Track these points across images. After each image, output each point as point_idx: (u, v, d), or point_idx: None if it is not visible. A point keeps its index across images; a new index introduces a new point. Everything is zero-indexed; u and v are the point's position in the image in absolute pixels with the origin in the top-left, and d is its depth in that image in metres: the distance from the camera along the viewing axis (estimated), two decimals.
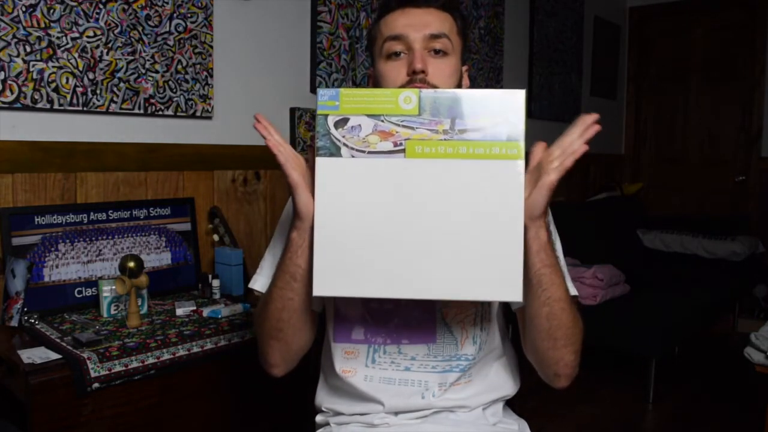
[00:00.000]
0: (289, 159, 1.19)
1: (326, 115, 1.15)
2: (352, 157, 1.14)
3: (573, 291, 1.43)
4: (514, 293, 1.13)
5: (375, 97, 1.15)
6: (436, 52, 1.38)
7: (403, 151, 1.14)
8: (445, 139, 1.13)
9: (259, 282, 1.49)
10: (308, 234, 1.20)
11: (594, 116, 1.16)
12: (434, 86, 1.35)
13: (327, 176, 1.15)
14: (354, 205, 1.15)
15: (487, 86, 4.17)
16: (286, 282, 1.26)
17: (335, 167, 1.15)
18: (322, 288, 1.16)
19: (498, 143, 1.12)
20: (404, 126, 1.13)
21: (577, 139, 1.15)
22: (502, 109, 1.12)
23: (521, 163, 1.12)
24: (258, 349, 1.40)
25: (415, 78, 1.34)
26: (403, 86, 1.35)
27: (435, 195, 1.14)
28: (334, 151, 1.14)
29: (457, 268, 1.13)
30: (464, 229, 1.13)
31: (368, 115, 1.14)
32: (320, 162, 1.15)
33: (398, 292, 1.16)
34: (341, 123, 1.14)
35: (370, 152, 1.14)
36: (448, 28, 1.40)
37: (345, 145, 1.14)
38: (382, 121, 1.14)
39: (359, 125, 1.14)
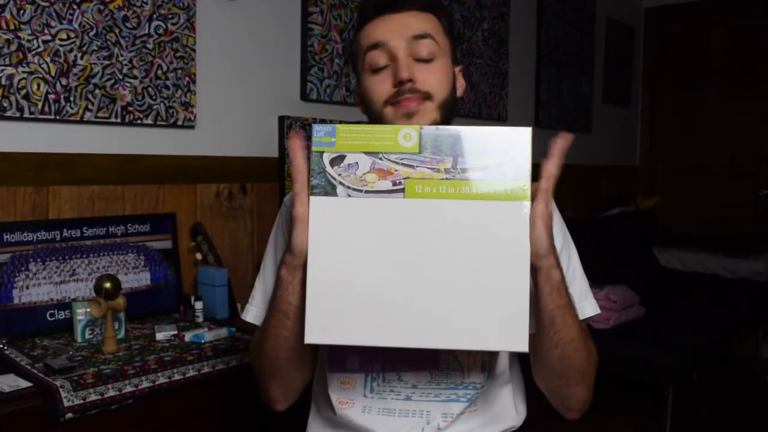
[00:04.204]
0: (304, 190, 1.17)
1: (321, 152, 1.16)
2: (349, 196, 1.15)
3: (595, 309, 1.44)
4: (519, 343, 1.15)
5: (373, 133, 1.16)
6: (424, 60, 1.36)
7: (403, 190, 1.15)
8: (446, 179, 1.14)
9: (251, 313, 1.50)
10: (299, 271, 1.21)
11: (566, 136, 1.18)
12: (426, 93, 1.35)
13: (322, 216, 1.16)
14: (349, 248, 1.16)
15: (491, 92, 4.20)
16: (279, 320, 1.27)
17: (331, 207, 1.16)
18: (314, 335, 1.16)
19: (502, 183, 1.14)
20: (404, 164, 1.15)
21: (548, 160, 1.17)
22: (507, 148, 1.14)
23: (527, 203, 1.14)
24: (257, 384, 1.42)
25: (403, 89, 1.33)
26: (389, 99, 1.36)
27: (436, 237, 1.15)
28: (330, 190, 1.16)
29: (458, 315, 1.15)
30: (466, 273, 1.15)
31: (366, 153, 1.15)
32: (315, 201, 1.16)
33: (396, 341, 1.18)
34: (337, 160, 1.15)
35: (367, 191, 1.15)
36: (432, 28, 1.38)
37: (341, 183, 1.15)
38: (381, 158, 1.15)
39: (356, 163, 1.15)
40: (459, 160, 1.14)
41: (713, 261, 5.04)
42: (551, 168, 1.16)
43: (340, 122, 3.10)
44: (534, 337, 1.22)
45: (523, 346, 1.14)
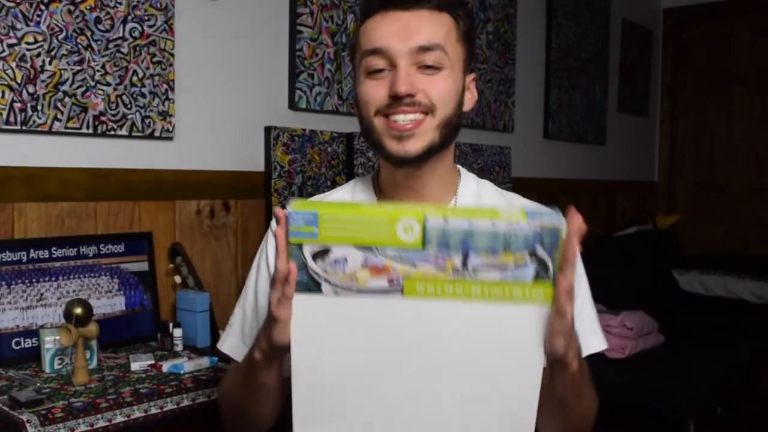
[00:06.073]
0: (292, 295, 1.09)
1: (301, 245, 1.06)
2: (336, 294, 1.07)
3: (601, 345, 1.45)
4: None
5: (365, 223, 1.04)
6: (427, 67, 1.32)
7: (401, 290, 1.06)
8: (454, 279, 1.05)
9: (228, 343, 1.50)
10: (278, 361, 1.21)
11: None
12: (427, 107, 1.31)
13: (305, 316, 1.09)
14: (338, 349, 1.11)
15: (496, 100, 4.21)
16: (249, 395, 1.29)
17: (315, 306, 1.09)
18: (302, 429, 1.16)
19: (521, 284, 1.05)
20: (403, 262, 1.04)
21: (564, 270, 1.05)
22: (530, 244, 1.03)
23: (548, 308, 1.06)
24: (221, 423, 1.42)
25: (399, 103, 1.30)
26: (381, 110, 1.32)
27: (438, 342, 1.09)
28: (313, 287, 1.07)
29: (459, 422, 1.13)
30: (470, 382, 1.11)
31: (356, 246, 1.05)
32: (297, 300, 1.09)
33: None
34: (321, 254, 1.06)
35: (358, 290, 1.07)
36: (442, 35, 1.34)
37: (326, 280, 1.07)
38: (375, 254, 1.05)
39: (344, 258, 1.06)
40: (471, 257, 1.04)
41: (738, 285, 5.03)
42: (568, 278, 1.05)
43: (332, 135, 3.10)
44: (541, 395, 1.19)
45: None
